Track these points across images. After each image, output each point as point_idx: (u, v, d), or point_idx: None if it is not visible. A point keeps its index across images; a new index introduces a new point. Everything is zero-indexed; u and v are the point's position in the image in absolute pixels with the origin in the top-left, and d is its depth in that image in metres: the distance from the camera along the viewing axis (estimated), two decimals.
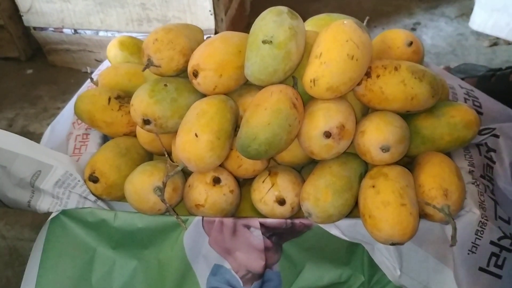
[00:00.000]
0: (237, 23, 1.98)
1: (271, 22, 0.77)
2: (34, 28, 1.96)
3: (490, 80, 1.50)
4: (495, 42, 1.98)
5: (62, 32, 1.92)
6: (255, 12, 0.82)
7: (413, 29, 2.18)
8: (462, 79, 1.38)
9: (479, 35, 2.05)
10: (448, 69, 1.70)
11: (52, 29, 1.92)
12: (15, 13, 1.97)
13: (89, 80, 1.08)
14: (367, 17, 0.92)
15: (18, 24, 2.02)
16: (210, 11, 1.70)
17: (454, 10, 2.28)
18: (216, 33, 1.74)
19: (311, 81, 0.75)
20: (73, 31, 1.90)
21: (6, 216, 1.46)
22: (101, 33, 1.88)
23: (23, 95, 1.99)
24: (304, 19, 0.95)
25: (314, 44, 0.79)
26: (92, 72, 1.10)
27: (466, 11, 2.17)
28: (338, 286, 0.88)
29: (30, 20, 1.92)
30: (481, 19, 1.97)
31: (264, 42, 0.75)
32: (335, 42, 0.75)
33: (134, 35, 1.23)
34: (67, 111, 1.08)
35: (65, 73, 2.08)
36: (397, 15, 2.30)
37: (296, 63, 0.79)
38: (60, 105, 1.91)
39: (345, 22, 0.78)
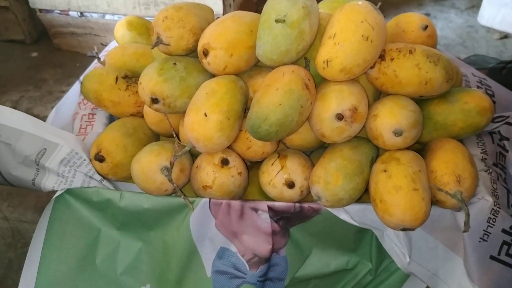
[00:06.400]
0: (244, 9, 1.95)
1: (285, 1, 0.75)
2: (40, 11, 1.94)
3: (500, 72, 1.48)
4: (506, 34, 1.96)
5: (68, 15, 1.90)
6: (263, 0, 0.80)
7: None
8: None
9: (489, 27, 2.03)
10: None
11: (58, 11, 1.90)
12: None
13: (95, 61, 1.07)
14: (379, 3, 0.90)
15: (23, 6, 2.00)
16: None
17: (464, 2, 2.25)
18: None
19: (324, 62, 0.74)
20: (79, 14, 1.88)
21: (9, 198, 1.46)
22: (107, 17, 1.86)
23: (28, 78, 1.97)
24: None
25: (328, 25, 0.77)
26: (98, 54, 1.08)
27: (476, 3, 2.14)
28: (345, 273, 0.87)
29: (36, 2, 1.90)
30: (489, 14, 1.94)
31: (277, 21, 0.74)
32: (349, 22, 0.73)
33: (141, 16, 1.21)
34: (73, 93, 1.07)
35: (70, 56, 2.07)
36: (406, 5, 2.27)
37: (309, 43, 0.77)
38: (65, 88, 1.90)
39: (359, 3, 0.76)
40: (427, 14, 2.19)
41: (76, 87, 1.06)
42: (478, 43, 1.97)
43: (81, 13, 1.87)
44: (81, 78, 0.95)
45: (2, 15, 2.03)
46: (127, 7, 1.78)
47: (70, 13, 1.88)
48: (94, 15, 1.86)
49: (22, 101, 1.86)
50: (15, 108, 1.82)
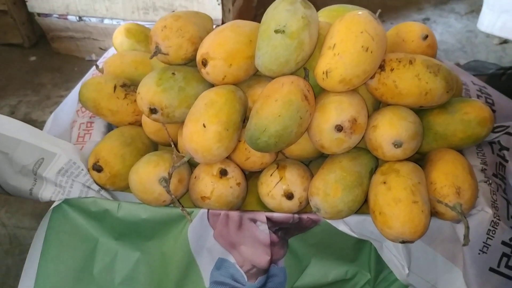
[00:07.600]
0: (244, 14, 1.95)
1: (284, 11, 0.75)
2: (39, 14, 1.93)
3: (500, 79, 1.48)
4: (505, 40, 1.96)
5: (66, 19, 1.90)
6: (263, 4, 0.80)
7: None
8: None
9: (488, 33, 2.03)
10: (457, 66, 1.68)
11: (57, 15, 1.90)
12: None
13: (93, 67, 1.07)
14: (379, 10, 0.90)
15: (22, 9, 1.99)
16: (217, 1, 1.67)
17: (464, 6, 2.25)
18: (223, 23, 1.72)
19: (323, 73, 0.73)
20: (77, 18, 1.88)
21: (7, 204, 1.45)
22: (106, 21, 1.85)
23: (26, 82, 1.97)
24: None
25: (327, 35, 0.77)
26: (96, 60, 1.08)
27: (476, 8, 2.14)
28: (344, 283, 0.86)
29: (35, 6, 1.89)
30: (489, 21, 1.93)
31: (276, 31, 0.73)
32: (349, 33, 0.73)
33: (139, 24, 1.20)
34: (71, 99, 1.06)
35: (69, 61, 2.06)
36: (406, 10, 2.27)
37: (308, 53, 0.77)
38: (63, 93, 1.90)
39: (359, 13, 0.75)
40: (427, 19, 2.19)
41: (74, 93, 1.06)
42: (478, 48, 1.97)
43: (80, 17, 1.86)
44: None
45: (0, 19, 2.02)
46: (125, 11, 1.78)
47: (69, 17, 1.88)
48: (93, 20, 1.85)
49: (20, 106, 1.85)
50: (13, 112, 1.82)
